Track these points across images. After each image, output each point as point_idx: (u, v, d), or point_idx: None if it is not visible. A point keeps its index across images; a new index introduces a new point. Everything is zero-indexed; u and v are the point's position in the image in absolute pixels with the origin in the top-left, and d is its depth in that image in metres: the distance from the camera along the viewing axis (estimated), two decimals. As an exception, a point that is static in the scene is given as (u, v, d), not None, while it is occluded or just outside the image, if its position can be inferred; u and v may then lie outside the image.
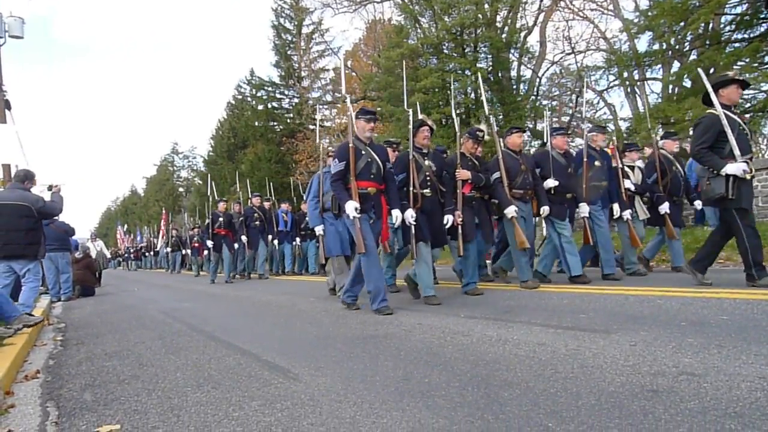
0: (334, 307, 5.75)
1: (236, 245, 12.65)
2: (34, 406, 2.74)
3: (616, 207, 6.63)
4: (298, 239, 13.29)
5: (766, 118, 15.15)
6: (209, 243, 12.63)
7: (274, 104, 31.24)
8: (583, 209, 6.41)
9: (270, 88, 31.01)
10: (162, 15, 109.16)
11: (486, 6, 18.76)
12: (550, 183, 6.22)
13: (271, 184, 17.69)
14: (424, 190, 5.45)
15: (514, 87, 21.42)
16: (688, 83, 14.94)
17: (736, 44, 13.57)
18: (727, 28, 14.05)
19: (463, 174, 5.81)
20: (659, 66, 16.85)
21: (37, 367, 3.71)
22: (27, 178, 6.34)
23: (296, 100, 30.32)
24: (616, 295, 4.94)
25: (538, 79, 22.28)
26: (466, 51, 19.73)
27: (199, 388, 2.77)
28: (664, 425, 1.78)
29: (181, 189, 52.66)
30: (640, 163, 7.45)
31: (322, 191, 6.69)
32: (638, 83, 18.22)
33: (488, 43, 19.36)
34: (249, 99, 32.34)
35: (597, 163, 6.56)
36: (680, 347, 2.78)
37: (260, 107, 31.09)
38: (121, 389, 2.90)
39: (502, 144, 6.31)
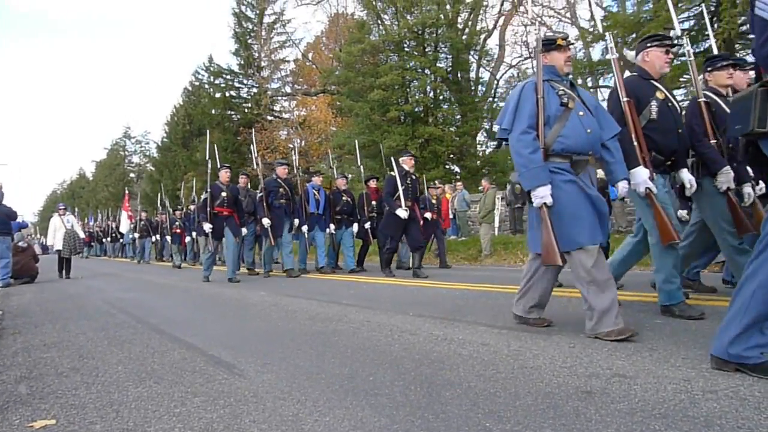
0: (285, 302, 5.71)
1: (244, 230, 9.41)
2: (-37, 399, 2.63)
3: None
4: (332, 225, 9.87)
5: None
6: (207, 227, 8.78)
7: (233, 93, 30.72)
8: None
9: (228, 77, 30.48)
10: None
11: (448, 7, 18.96)
12: None
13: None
14: None
15: (473, 88, 21.77)
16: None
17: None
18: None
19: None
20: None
21: (-32, 358, 3.56)
22: None
23: (255, 90, 29.87)
24: (561, 297, 5.09)
25: (495, 81, 22.72)
26: (426, 50, 19.90)
27: (140, 383, 2.72)
28: (594, 425, 1.87)
29: (132, 174, 51.11)
30: None
31: (542, 119, 3.28)
32: (592, 90, 18.80)
33: (449, 43, 19.59)
34: (206, 86, 31.66)
35: None
36: (615, 349, 2.90)
37: (218, 95, 30.50)
38: (59, 382, 2.82)
39: None
